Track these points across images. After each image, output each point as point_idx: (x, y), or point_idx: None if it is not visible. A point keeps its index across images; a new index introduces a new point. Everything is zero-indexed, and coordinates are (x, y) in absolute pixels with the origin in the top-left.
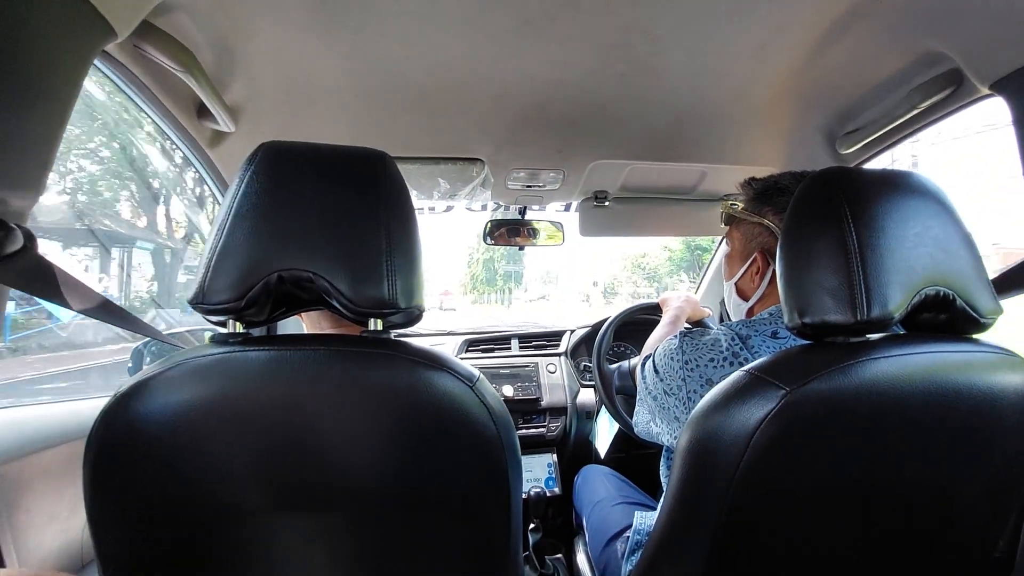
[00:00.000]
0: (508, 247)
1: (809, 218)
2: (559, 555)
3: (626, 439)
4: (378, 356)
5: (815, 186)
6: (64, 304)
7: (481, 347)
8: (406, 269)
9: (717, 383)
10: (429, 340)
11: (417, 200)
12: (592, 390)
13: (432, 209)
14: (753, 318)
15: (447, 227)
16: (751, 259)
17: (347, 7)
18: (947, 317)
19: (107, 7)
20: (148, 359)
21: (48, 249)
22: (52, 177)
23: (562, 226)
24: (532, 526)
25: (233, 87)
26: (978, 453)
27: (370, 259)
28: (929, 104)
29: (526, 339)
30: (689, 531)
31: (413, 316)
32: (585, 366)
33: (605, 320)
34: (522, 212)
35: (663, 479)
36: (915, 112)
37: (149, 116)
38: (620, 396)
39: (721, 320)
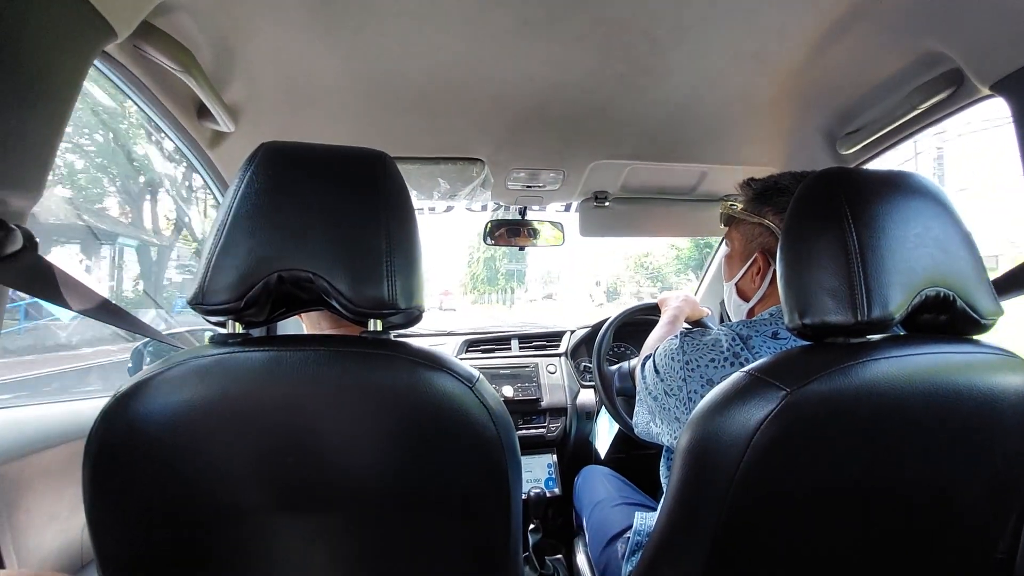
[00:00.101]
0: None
1: (809, 218)
2: (559, 556)
3: (626, 439)
4: (378, 357)
5: (816, 186)
6: (64, 304)
7: (481, 347)
8: (406, 269)
9: (718, 383)
10: (429, 340)
11: (417, 200)
12: (592, 390)
13: (432, 209)
14: (754, 318)
15: (447, 226)
16: (752, 259)
17: (347, 7)
18: (948, 318)
19: (107, 8)
20: (148, 359)
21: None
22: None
23: (562, 226)
24: (532, 527)
25: (233, 87)
26: (978, 454)
27: (370, 259)
28: (930, 105)
29: (526, 339)
30: (689, 532)
31: (413, 317)
32: (585, 366)
33: (605, 321)
34: (522, 212)
35: (663, 480)
36: (916, 113)
37: (149, 116)
38: (621, 398)
39: (721, 321)
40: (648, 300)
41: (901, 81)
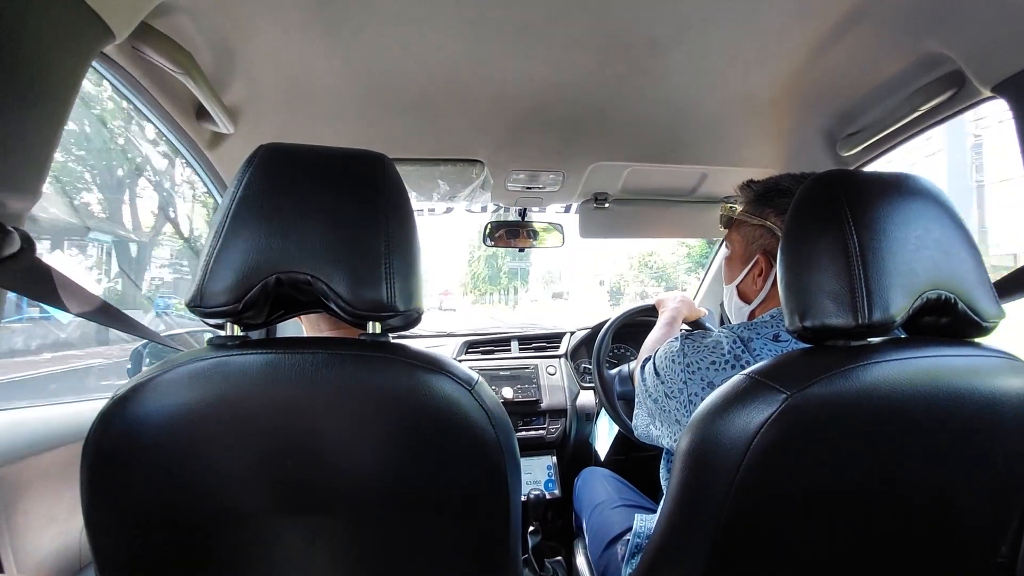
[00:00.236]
0: None
1: (810, 220)
2: (559, 558)
3: (626, 441)
4: (376, 359)
5: (816, 188)
6: (62, 307)
7: (481, 349)
8: (405, 271)
9: (719, 386)
10: (429, 342)
11: (416, 202)
12: (592, 392)
13: (432, 211)
14: (754, 320)
15: (447, 224)
16: (753, 261)
17: (347, 9)
18: (949, 321)
19: (105, 9)
20: (147, 360)
21: None
22: None
23: (562, 228)
24: (532, 529)
25: (232, 89)
26: (979, 457)
27: (369, 261)
28: (931, 106)
29: (526, 341)
30: (689, 534)
31: (412, 319)
32: (585, 368)
33: (604, 322)
34: (522, 214)
35: (663, 482)
36: (916, 114)
37: (148, 118)
38: (622, 401)
39: (722, 323)
40: (646, 301)
41: (902, 83)
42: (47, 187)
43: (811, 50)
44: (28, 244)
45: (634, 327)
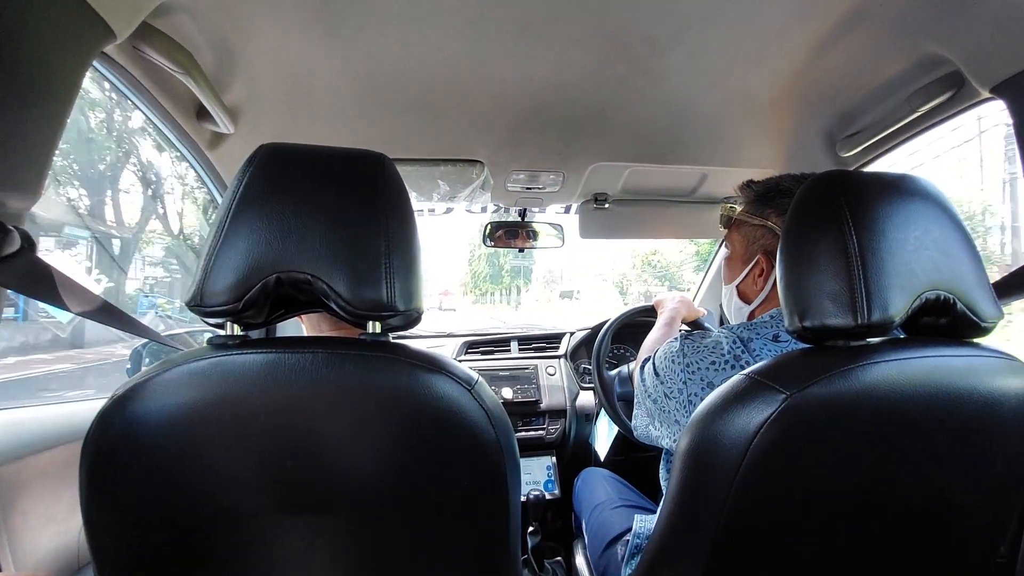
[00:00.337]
0: None
1: (809, 221)
2: (558, 558)
3: (626, 442)
4: (376, 359)
5: (815, 189)
6: (62, 306)
7: (481, 349)
8: (405, 271)
9: (718, 386)
10: (429, 342)
11: (417, 202)
12: (591, 392)
13: (432, 211)
14: (754, 321)
15: (447, 222)
16: (754, 261)
17: (347, 9)
18: (948, 321)
19: (106, 9)
20: (147, 360)
21: None
22: None
23: (562, 228)
24: (531, 529)
25: (233, 89)
26: (979, 457)
27: (369, 261)
28: (930, 107)
29: (526, 341)
30: (689, 535)
31: (412, 318)
32: (585, 368)
33: (604, 323)
34: (522, 214)
35: (663, 482)
36: (916, 115)
37: (149, 118)
38: (621, 402)
39: (721, 323)
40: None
41: (901, 83)
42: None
43: (811, 51)
44: (28, 243)
45: (634, 328)
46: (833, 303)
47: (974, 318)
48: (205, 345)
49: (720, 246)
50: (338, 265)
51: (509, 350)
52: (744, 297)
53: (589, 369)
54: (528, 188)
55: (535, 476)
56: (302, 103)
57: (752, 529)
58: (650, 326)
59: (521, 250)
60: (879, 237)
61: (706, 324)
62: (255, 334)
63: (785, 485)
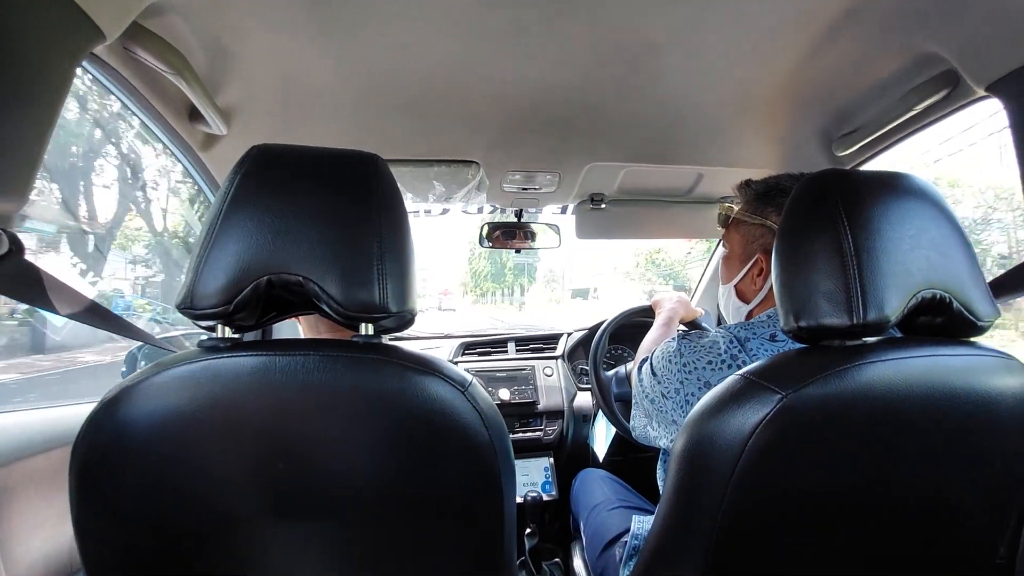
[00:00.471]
0: None
1: (805, 220)
2: (556, 560)
3: (623, 443)
4: (368, 361)
5: (811, 188)
6: (52, 309)
7: (478, 350)
8: (398, 273)
9: (715, 386)
10: (425, 343)
11: (412, 203)
12: (589, 393)
13: (428, 212)
14: (751, 320)
15: (446, 222)
16: (753, 261)
17: (340, 9)
18: (944, 320)
19: (95, 9)
20: (142, 363)
21: None
22: None
23: (558, 229)
24: (529, 531)
25: (225, 90)
26: (976, 457)
27: (361, 263)
28: (925, 106)
29: (523, 342)
30: (685, 536)
31: (405, 320)
32: (582, 369)
33: (601, 324)
34: (518, 215)
35: (660, 483)
36: (911, 114)
37: (140, 119)
38: (619, 403)
39: (719, 323)
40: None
41: (897, 82)
42: None
43: (806, 50)
44: (16, 246)
45: (631, 328)
46: (828, 303)
47: (970, 317)
48: (196, 348)
49: (718, 246)
50: (330, 266)
51: (506, 351)
52: (742, 296)
53: (586, 370)
54: (524, 189)
55: (533, 477)
56: (295, 104)
57: (748, 530)
58: (648, 326)
59: (518, 251)
60: (874, 236)
61: (704, 324)
62: (250, 336)
63: (781, 486)
